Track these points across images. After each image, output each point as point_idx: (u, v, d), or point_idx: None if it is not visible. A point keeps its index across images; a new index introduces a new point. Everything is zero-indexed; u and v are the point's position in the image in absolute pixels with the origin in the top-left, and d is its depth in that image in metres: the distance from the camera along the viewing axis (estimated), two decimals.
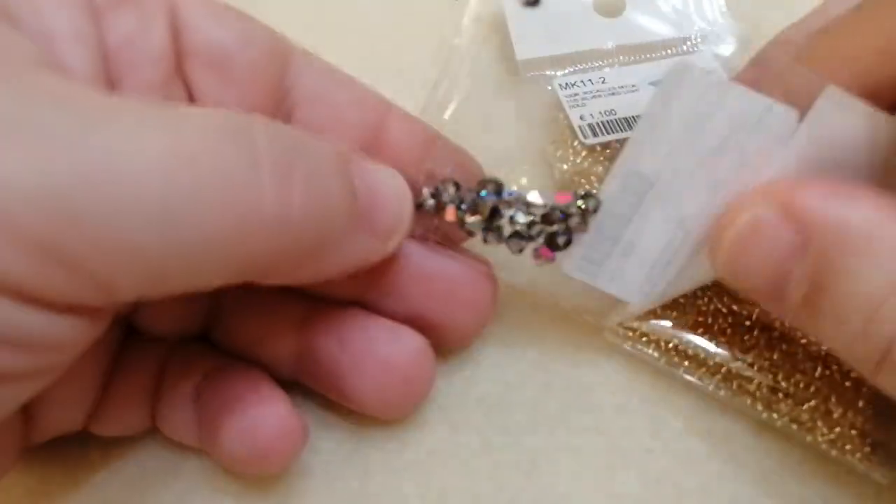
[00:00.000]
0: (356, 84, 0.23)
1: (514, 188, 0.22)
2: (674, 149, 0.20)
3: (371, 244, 0.20)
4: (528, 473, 0.23)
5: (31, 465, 0.23)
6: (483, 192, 0.22)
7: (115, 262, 0.15)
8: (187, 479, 0.23)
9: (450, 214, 0.22)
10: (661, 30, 0.31)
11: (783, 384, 0.23)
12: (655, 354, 0.24)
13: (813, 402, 0.23)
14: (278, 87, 0.22)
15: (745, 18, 0.32)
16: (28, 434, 0.21)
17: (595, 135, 0.28)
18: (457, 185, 0.22)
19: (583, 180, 0.28)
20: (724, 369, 0.24)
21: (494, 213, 0.22)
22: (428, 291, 0.22)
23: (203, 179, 0.16)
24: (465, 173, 0.23)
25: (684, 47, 0.31)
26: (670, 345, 0.24)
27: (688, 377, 0.24)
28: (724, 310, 0.24)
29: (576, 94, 0.30)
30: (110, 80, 0.20)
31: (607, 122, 0.29)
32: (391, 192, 0.21)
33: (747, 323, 0.24)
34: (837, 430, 0.22)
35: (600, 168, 0.28)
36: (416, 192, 0.22)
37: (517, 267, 0.23)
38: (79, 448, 0.23)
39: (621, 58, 0.31)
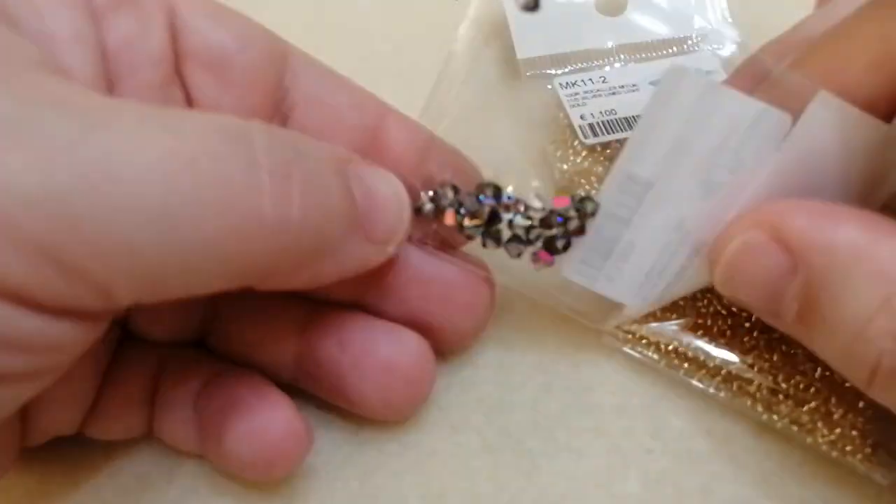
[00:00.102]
0: (354, 87, 0.23)
1: (511, 189, 0.22)
2: (670, 152, 0.20)
3: (369, 248, 0.20)
4: (528, 474, 0.23)
5: (30, 466, 0.23)
6: (481, 197, 0.22)
7: (114, 265, 0.15)
8: (187, 480, 0.23)
9: (449, 219, 0.22)
10: (661, 29, 0.31)
11: (783, 385, 0.23)
12: (655, 357, 0.24)
13: (813, 404, 0.23)
14: (276, 88, 0.22)
15: (745, 18, 0.32)
16: (25, 435, 0.21)
17: (595, 134, 0.28)
18: (455, 189, 0.22)
19: (583, 180, 0.28)
20: (724, 371, 0.24)
21: (493, 217, 0.22)
22: (426, 294, 0.23)
23: (202, 182, 0.16)
24: (463, 177, 0.23)
25: (685, 47, 0.31)
26: (670, 347, 0.24)
27: (688, 379, 0.24)
28: (724, 311, 0.24)
29: (576, 94, 0.30)
30: (109, 81, 0.20)
31: (608, 121, 0.29)
32: (389, 196, 0.21)
33: (747, 324, 0.24)
34: (838, 431, 0.22)
35: (600, 168, 0.28)
36: (415, 197, 0.22)
37: (515, 270, 0.23)
38: (79, 448, 0.23)
39: (622, 57, 0.31)
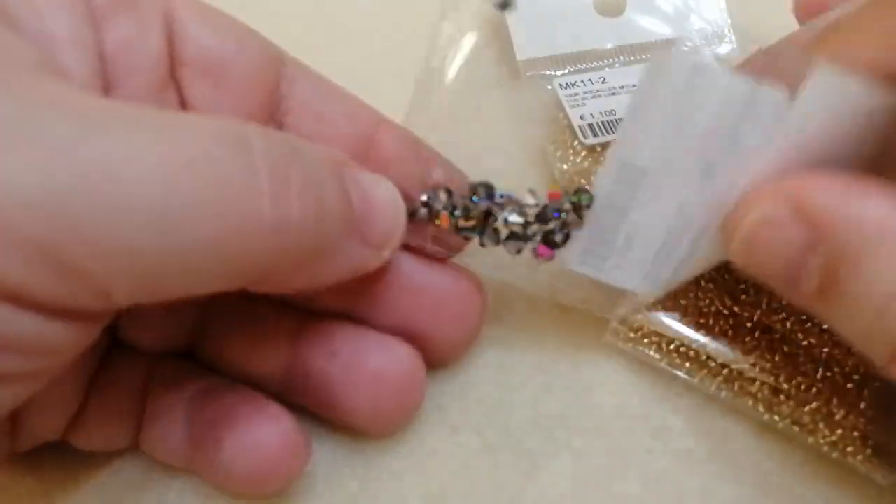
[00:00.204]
0: (349, 96, 0.23)
1: (504, 188, 0.22)
2: (664, 136, 0.20)
3: (366, 252, 0.20)
4: (528, 474, 0.23)
5: (31, 465, 0.23)
6: (475, 198, 0.22)
7: (113, 266, 0.15)
8: (187, 480, 0.23)
9: (443, 221, 0.22)
10: (661, 30, 0.31)
11: (785, 386, 0.23)
12: (657, 356, 0.24)
13: (814, 404, 0.23)
14: (271, 96, 0.22)
15: (744, 19, 0.32)
16: (14, 439, 0.21)
17: (595, 135, 0.28)
18: (448, 192, 0.22)
19: (583, 180, 0.28)
20: (725, 371, 0.24)
21: (488, 216, 0.22)
22: (417, 304, 0.22)
23: (202, 182, 0.16)
24: (455, 181, 0.23)
25: (684, 47, 0.31)
26: (671, 346, 0.24)
27: (689, 379, 0.24)
28: (726, 311, 0.24)
29: (576, 94, 0.30)
30: (106, 83, 0.20)
31: (607, 122, 0.29)
32: (385, 200, 0.21)
33: (749, 325, 0.24)
34: (839, 431, 0.22)
35: (600, 168, 0.28)
36: (409, 202, 0.22)
37: (517, 267, 0.23)
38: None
39: (621, 58, 0.31)
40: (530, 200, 0.22)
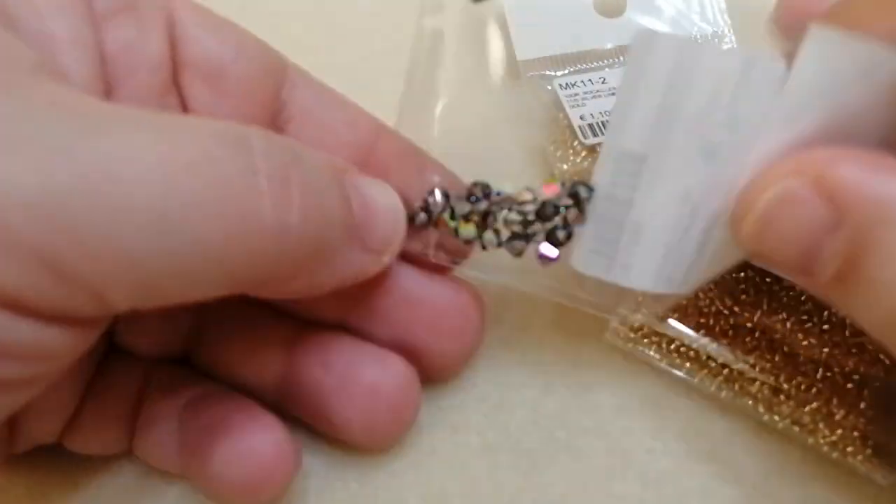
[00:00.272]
0: (350, 104, 0.23)
1: (501, 186, 0.22)
2: (658, 121, 0.19)
3: (366, 257, 0.20)
4: (527, 474, 0.23)
5: (30, 466, 0.23)
6: (472, 198, 0.21)
7: (111, 269, 0.15)
8: (185, 484, 0.23)
9: (442, 225, 0.22)
10: (661, 30, 0.31)
11: (785, 386, 0.23)
12: (657, 356, 0.24)
13: (814, 404, 0.23)
14: (272, 102, 0.22)
15: (743, 19, 0.32)
16: (11, 442, 0.21)
17: (595, 135, 0.28)
18: (446, 195, 0.22)
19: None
20: (725, 371, 0.24)
21: (487, 217, 0.21)
22: (414, 318, 0.22)
23: (202, 185, 0.16)
24: (453, 187, 0.22)
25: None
26: (671, 346, 0.24)
27: (689, 379, 0.24)
28: (726, 311, 0.24)
29: (576, 94, 0.30)
30: (107, 86, 0.20)
31: (607, 122, 0.29)
32: (386, 205, 0.20)
33: (749, 325, 0.24)
34: (839, 432, 0.22)
35: (598, 159, 0.28)
36: (409, 207, 0.21)
37: (519, 270, 0.23)
38: None
39: (621, 58, 0.31)
40: (527, 196, 0.21)
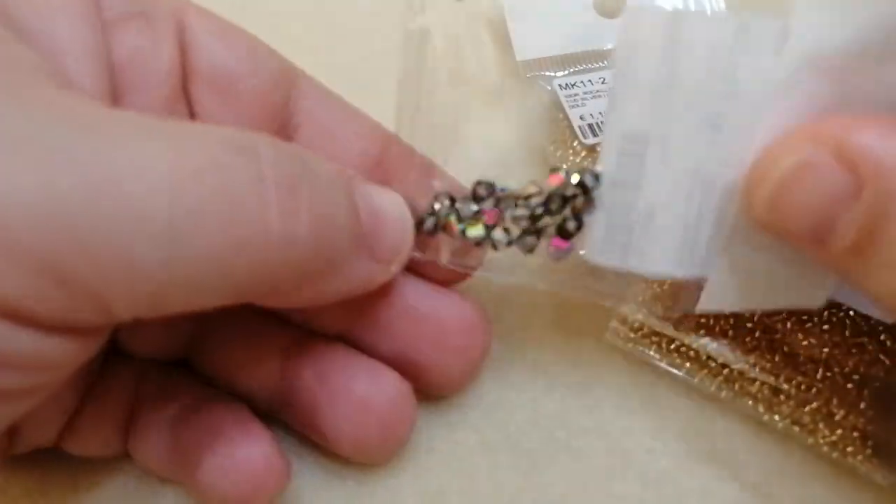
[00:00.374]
0: (359, 114, 0.23)
1: (506, 183, 0.21)
2: (656, 98, 0.19)
3: (373, 267, 0.20)
4: (527, 473, 0.23)
5: (30, 466, 0.23)
6: (477, 198, 0.21)
7: (115, 278, 0.15)
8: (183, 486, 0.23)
9: (450, 228, 0.21)
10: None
11: (785, 386, 0.23)
12: (657, 356, 0.24)
13: (814, 404, 0.23)
14: (282, 111, 0.22)
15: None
16: (9, 446, 0.20)
17: (595, 135, 0.28)
18: (452, 199, 0.21)
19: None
20: (725, 371, 0.23)
21: (495, 215, 0.21)
22: (417, 333, 0.22)
23: (208, 194, 0.16)
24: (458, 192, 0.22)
25: None
26: (671, 346, 0.24)
27: (689, 379, 0.24)
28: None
29: (576, 95, 0.30)
30: (116, 94, 0.19)
31: None
32: (393, 214, 0.20)
33: (749, 325, 0.24)
34: (839, 432, 0.22)
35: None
36: (416, 215, 0.21)
37: (526, 267, 0.23)
38: None
39: None
40: (532, 189, 0.21)
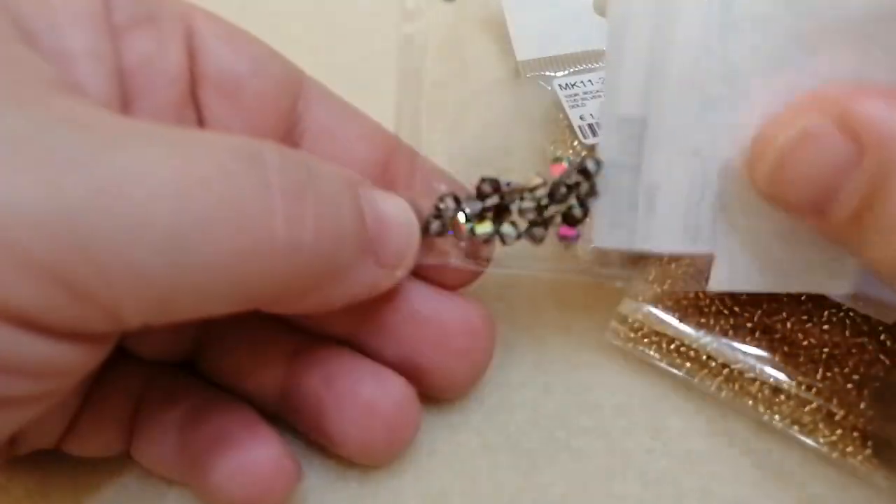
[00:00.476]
0: (366, 119, 0.23)
1: (510, 178, 0.22)
2: (650, 80, 0.19)
3: (379, 272, 0.20)
4: (527, 474, 0.23)
5: (31, 467, 0.23)
6: (483, 195, 0.21)
7: (123, 286, 0.15)
8: (185, 486, 0.23)
9: (458, 228, 0.21)
10: None
11: (785, 386, 0.23)
12: (657, 356, 0.24)
13: (815, 404, 0.23)
14: (288, 115, 0.22)
15: None
16: (9, 449, 0.20)
17: (595, 135, 0.28)
18: (456, 199, 0.21)
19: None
20: (725, 371, 0.23)
21: (501, 212, 0.21)
22: (421, 336, 0.22)
23: (214, 202, 0.16)
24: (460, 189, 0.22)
25: None
26: (671, 346, 0.24)
27: (689, 379, 0.24)
28: (726, 311, 0.24)
29: (576, 95, 0.30)
30: (125, 99, 0.20)
31: None
32: (399, 220, 0.20)
33: (749, 325, 0.24)
34: (839, 432, 0.22)
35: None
36: (421, 219, 0.21)
37: (533, 258, 0.23)
38: None
39: None
40: (537, 181, 0.21)
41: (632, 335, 0.24)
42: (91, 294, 0.15)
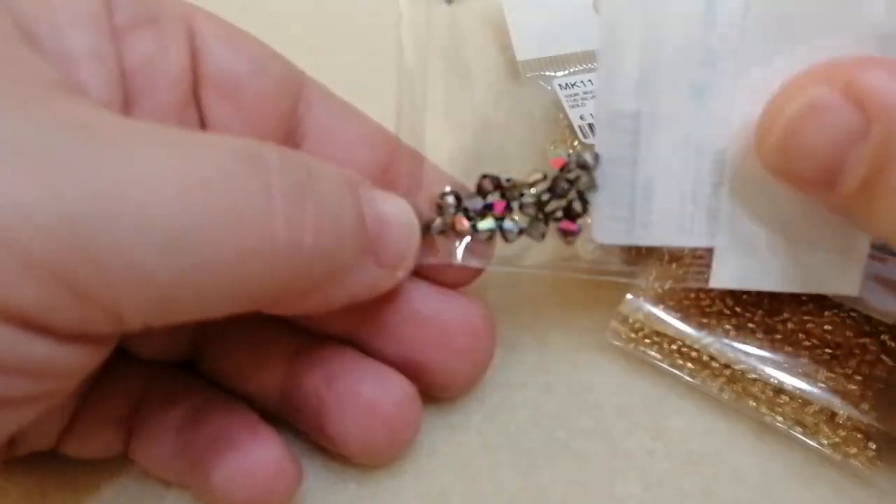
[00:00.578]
0: (367, 120, 0.23)
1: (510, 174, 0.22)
2: (641, 73, 0.20)
3: (379, 273, 0.20)
4: (528, 474, 0.23)
5: (29, 467, 0.22)
6: (483, 192, 0.21)
7: (125, 288, 0.15)
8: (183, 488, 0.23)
9: (460, 225, 0.21)
10: None
11: (787, 387, 0.23)
12: (658, 356, 0.24)
13: (817, 406, 0.23)
14: (289, 117, 0.22)
15: None
16: (6, 451, 0.20)
17: (595, 134, 0.28)
18: (457, 197, 0.21)
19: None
20: (727, 371, 0.23)
21: (502, 207, 0.21)
22: (422, 335, 0.22)
23: (216, 205, 0.16)
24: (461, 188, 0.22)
25: None
26: (673, 346, 0.24)
27: (691, 380, 0.24)
28: (728, 311, 0.24)
29: (576, 94, 0.30)
30: (127, 100, 0.20)
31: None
32: (399, 219, 0.20)
33: (751, 325, 0.24)
34: (842, 433, 0.22)
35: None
36: (422, 219, 0.21)
37: (534, 255, 0.23)
38: None
39: None
40: (537, 175, 0.21)
41: (633, 335, 0.24)
42: (92, 295, 0.15)
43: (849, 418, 0.22)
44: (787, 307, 0.24)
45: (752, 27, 0.19)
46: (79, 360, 0.16)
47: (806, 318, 0.24)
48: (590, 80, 0.30)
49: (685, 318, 0.24)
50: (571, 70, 0.31)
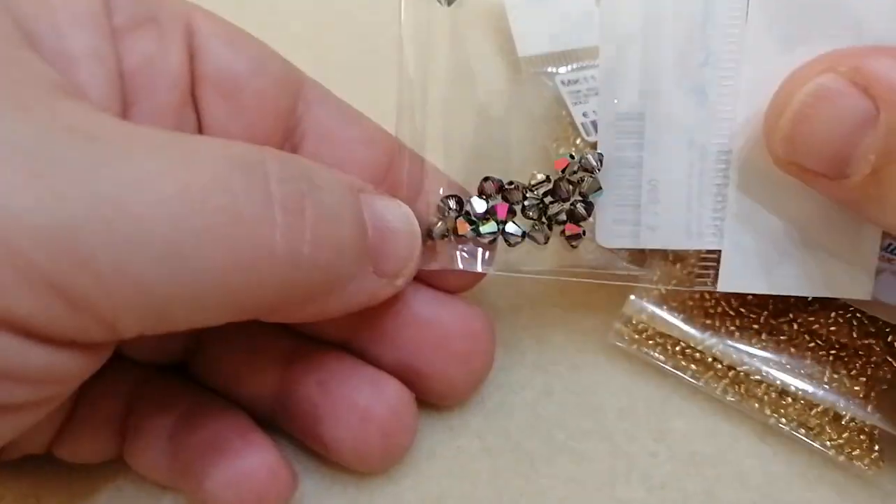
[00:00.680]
0: (367, 121, 0.23)
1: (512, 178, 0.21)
2: (643, 76, 0.20)
3: (378, 282, 0.20)
4: (527, 477, 0.23)
5: (22, 470, 0.22)
6: (486, 195, 0.21)
7: (122, 298, 0.15)
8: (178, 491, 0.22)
9: (462, 228, 0.21)
10: None
11: (791, 388, 0.23)
12: (661, 358, 0.24)
13: (821, 407, 0.22)
14: (288, 117, 0.22)
15: None
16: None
17: (597, 131, 0.28)
18: (459, 201, 0.21)
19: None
20: (731, 373, 0.23)
21: (506, 211, 0.21)
22: (420, 340, 0.22)
23: (214, 215, 0.16)
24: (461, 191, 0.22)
25: None
26: (676, 347, 0.24)
27: (695, 381, 0.23)
28: (732, 312, 0.24)
29: (578, 91, 0.29)
30: (126, 101, 0.19)
31: None
32: (401, 228, 0.20)
33: (755, 326, 0.23)
34: (846, 435, 0.22)
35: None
36: (423, 224, 0.21)
37: (537, 259, 0.22)
38: None
39: None
40: (539, 177, 0.21)
41: (636, 336, 0.24)
42: (90, 304, 0.15)
43: (853, 420, 0.22)
44: (792, 308, 0.24)
45: (753, 27, 0.19)
46: (77, 367, 0.16)
47: (811, 318, 0.23)
48: (593, 77, 0.30)
49: (689, 319, 0.24)
50: (574, 66, 0.30)
